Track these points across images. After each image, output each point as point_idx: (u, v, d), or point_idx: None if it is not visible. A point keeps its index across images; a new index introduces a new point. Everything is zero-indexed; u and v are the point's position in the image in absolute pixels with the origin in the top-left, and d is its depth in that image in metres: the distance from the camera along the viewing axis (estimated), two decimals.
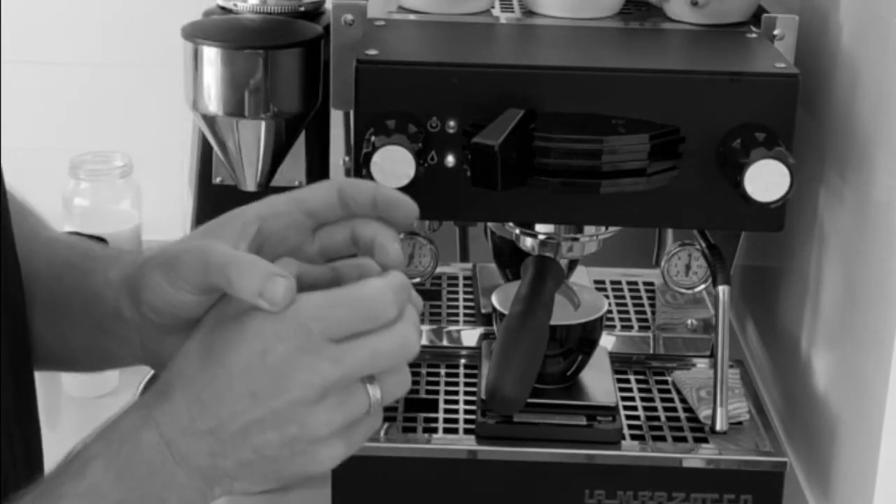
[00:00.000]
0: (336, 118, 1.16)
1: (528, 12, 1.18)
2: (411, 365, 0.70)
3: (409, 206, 0.74)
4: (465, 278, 1.43)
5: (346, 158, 1.16)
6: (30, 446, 0.79)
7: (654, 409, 1.20)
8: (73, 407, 1.32)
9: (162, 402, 0.68)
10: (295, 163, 1.36)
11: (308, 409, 0.66)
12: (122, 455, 0.67)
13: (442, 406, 1.19)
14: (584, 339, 1.16)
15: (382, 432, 1.14)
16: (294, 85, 1.27)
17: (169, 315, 0.73)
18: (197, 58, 1.25)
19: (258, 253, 0.73)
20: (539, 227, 1.14)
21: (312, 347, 0.66)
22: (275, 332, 0.66)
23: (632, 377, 1.25)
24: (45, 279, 0.80)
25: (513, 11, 1.19)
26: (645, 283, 1.42)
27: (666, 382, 1.24)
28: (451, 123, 1.02)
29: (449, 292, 1.40)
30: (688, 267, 1.28)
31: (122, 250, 0.81)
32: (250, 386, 0.66)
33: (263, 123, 1.27)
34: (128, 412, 0.69)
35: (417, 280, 1.29)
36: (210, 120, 1.27)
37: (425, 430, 1.15)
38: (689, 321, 1.32)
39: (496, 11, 1.19)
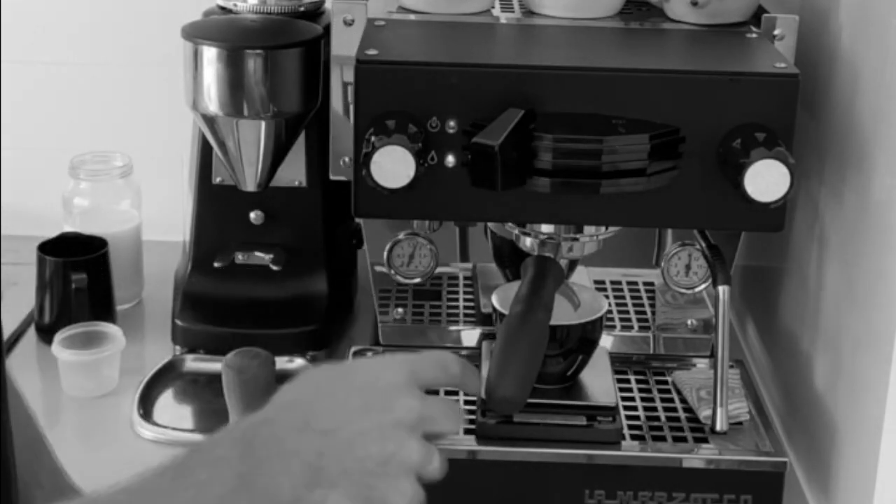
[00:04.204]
0: (336, 118, 1.16)
1: (528, 12, 1.18)
2: None
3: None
4: (465, 278, 1.42)
5: (346, 159, 1.16)
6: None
7: (654, 409, 1.20)
8: (73, 407, 1.32)
9: (282, 409, 0.78)
10: (295, 163, 1.36)
11: (406, 433, 0.76)
12: (245, 439, 0.75)
13: None
14: (584, 339, 1.16)
15: None
16: (294, 85, 1.27)
17: None
18: (197, 58, 1.25)
19: None
20: (539, 227, 1.14)
21: (408, 385, 0.78)
22: (382, 366, 0.80)
23: (632, 377, 1.25)
24: None
25: (513, 11, 1.19)
26: (645, 283, 1.42)
27: (666, 382, 1.24)
28: (451, 123, 1.02)
29: (449, 292, 1.40)
30: (688, 267, 1.28)
31: None
32: (365, 400, 0.77)
33: (263, 123, 1.27)
34: (248, 417, 0.79)
35: (417, 280, 1.29)
36: (210, 120, 1.27)
37: None
38: (689, 321, 1.32)
39: (496, 11, 1.19)
